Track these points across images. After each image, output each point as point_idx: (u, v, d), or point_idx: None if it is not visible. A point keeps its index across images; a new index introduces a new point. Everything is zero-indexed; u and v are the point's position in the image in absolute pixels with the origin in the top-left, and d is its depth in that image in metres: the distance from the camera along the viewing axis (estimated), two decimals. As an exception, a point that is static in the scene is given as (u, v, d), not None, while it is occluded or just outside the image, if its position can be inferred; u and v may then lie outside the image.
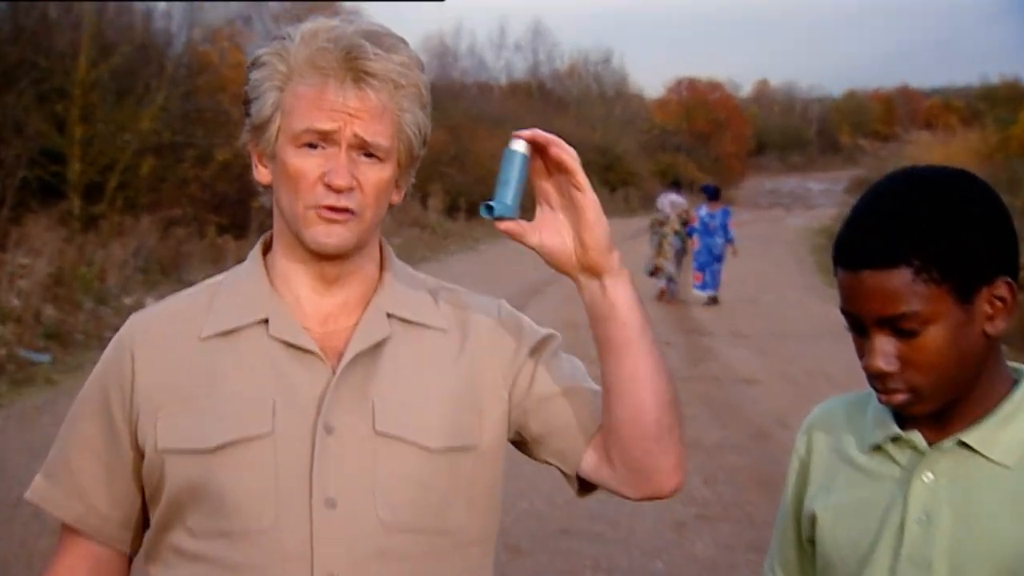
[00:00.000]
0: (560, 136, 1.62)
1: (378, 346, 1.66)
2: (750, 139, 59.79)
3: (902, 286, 1.50)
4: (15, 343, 10.15)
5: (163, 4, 18.57)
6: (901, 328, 1.52)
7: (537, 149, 1.61)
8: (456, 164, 27.42)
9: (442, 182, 26.39)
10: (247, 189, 17.70)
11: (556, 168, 1.61)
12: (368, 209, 1.63)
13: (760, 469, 7.40)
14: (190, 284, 1.77)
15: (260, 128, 1.65)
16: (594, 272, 1.63)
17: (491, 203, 1.58)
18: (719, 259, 16.60)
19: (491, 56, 61.13)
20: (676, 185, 18.02)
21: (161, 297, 1.96)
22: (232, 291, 1.70)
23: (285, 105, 1.62)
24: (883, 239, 1.50)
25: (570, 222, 1.63)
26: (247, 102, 1.66)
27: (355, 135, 1.60)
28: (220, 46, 19.83)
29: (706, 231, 16.61)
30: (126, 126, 16.25)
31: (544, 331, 1.77)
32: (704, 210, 16.77)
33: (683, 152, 49.86)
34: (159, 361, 1.65)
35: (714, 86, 61.58)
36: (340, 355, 1.64)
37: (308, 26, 1.65)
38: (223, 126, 17.56)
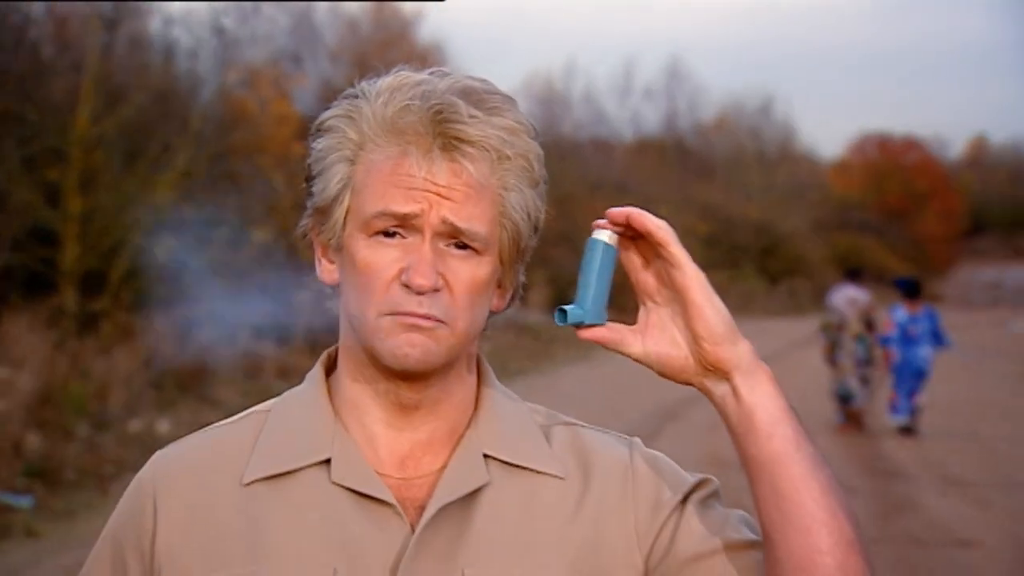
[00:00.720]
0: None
1: (472, 497, 1.67)
2: (962, 216, 59.23)
3: None
4: (-13, 481, 10.30)
5: (188, 38, 19.09)
6: None
7: (628, 235, 1.64)
8: (566, 245, 27.57)
9: (547, 269, 26.54)
10: (292, 279, 17.95)
11: (649, 249, 1.65)
12: (460, 316, 1.65)
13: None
14: (216, 404, 1.80)
15: (324, 212, 1.68)
16: (719, 372, 1.64)
17: (566, 307, 1.63)
18: (921, 375, 16.42)
19: (613, 104, 61.61)
20: (854, 275, 17.88)
21: (178, 421, 1.99)
22: (285, 423, 1.72)
23: (356, 182, 1.66)
24: None
25: (679, 314, 1.65)
26: (309, 179, 1.70)
27: (443, 220, 1.63)
28: (261, 93, 20.24)
29: (906, 339, 16.50)
30: (137, 197, 16.57)
31: (694, 477, 1.77)
32: (902, 312, 16.71)
33: (870, 232, 49.54)
34: (189, 515, 1.68)
35: (912, 144, 61.32)
36: (422, 508, 1.66)
37: (388, 80, 1.70)
38: (263, 197, 17.87)
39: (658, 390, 18.15)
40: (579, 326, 1.63)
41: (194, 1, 21.12)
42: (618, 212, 1.63)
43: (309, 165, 1.70)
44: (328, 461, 1.67)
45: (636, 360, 1.67)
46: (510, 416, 1.75)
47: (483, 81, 1.70)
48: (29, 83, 16.21)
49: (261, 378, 15.69)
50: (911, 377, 16.39)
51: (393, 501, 1.65)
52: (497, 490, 1.69)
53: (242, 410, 1.81)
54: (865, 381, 16.69)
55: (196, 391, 14.69)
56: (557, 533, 1.68)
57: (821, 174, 55.87)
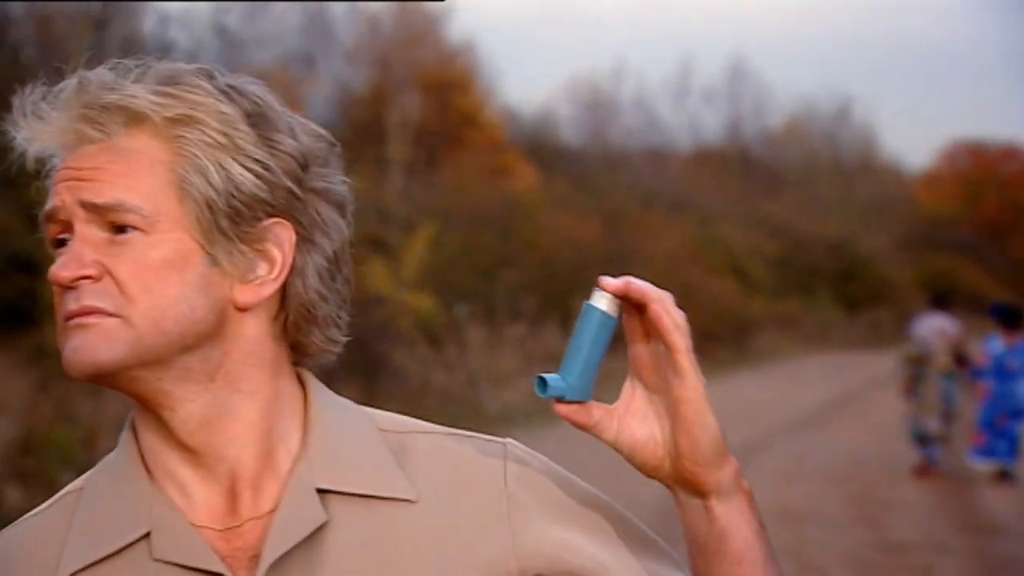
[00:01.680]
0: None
1: (313, 539, 1.66)
2: (1069, 231, 58.96)
3: None
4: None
5: (187, 39, 19.21)
6: None
7: (632, 305, 1.65)
8: (615, 266, 27.50)
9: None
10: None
11: (655, 332, 1.65)
12: (136, 304, 1.63)
13: None
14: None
15: None
16: (694, 489, 1.68)
17: (547, 376, 1.63)
18: (1019, 413, 16.36)
19: (668, 109, 61.65)
20: (942, 302, 17.63)
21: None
22: (98, 498, 1.72)
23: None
24: None
25: (666, 411, 1.67)
26: None
27: (81, 203, 1.64)
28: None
29: (1002, 373, 16.45)
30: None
31: (586, 490, 1.77)
32: (998, 343, 16.66)
33: (964, 252, 49.37)
34: None
35: (1011, 153, 61.10)
36: (256, 557, 1.65)
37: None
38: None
39: (730, 432, 18.10)
40: (558, 400, 1.64)
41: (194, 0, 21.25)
42: (638, 288, 1.63)
43: None
44: (149, 534, 1.67)
45: (607, 444, 1.68)
46: (347, 434, 1.73)
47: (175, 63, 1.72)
48: (7, 90, 16.36)
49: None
50: (1009, 416, 16.34)
51: (222, 568, 1.63)
52: (341, 528, 1.67)
53: None
54: (949, 421, 16.53)
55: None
56: (418, 567, 1.67)
57: (907, 187, 55.74)
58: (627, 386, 1.69)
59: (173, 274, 1.63)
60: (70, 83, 1.72)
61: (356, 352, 15.96)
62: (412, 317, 21.11)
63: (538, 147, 36.35)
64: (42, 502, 1.81)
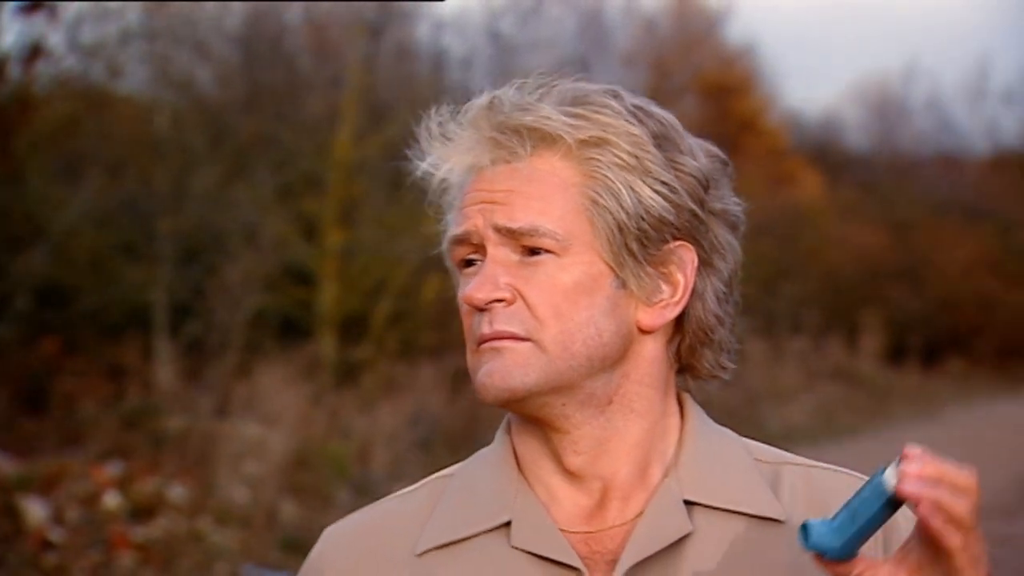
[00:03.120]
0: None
1: (673, 549, 1.69)
2: None
3: None
4: (240, 556, 10.61)
5: (461, 45, 19.44)
6: None
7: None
8: (906, 280, 27.10)
9: (882, 308, 26.11)
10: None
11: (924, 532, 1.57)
12: (548, 329, 1.68)
13: None
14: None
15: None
16: None
17: (814, 524, 1.57)
18: None
19: (964, 112, 60.39)
20: None
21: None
22: (466, 486, 1.80)
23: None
24: None
25: None
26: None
27: (495, 227, 1.68)
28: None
29: None
30: (403, 229, 16.84)
31: None
32: None
33: None
34: None
35: None
36: (614, 563, 1.69)
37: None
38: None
39: (1022, 456, 17.66)
40: (819, 553, 1.59)
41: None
42: (929, 497, 1.53)
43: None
44: (509, 523, 1.72)
45: None
46: (719, 455, 1.77)
47: (585, 87, 1.75)
48: (284, 100, 16.67)
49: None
50: None
51: (579, 564, 1.68)
52: (704, 540, 1.71)
53: None
54: None
55: (469, 451, 14.83)
56: None
57: None
58: (899, 552, 1.61)
59: (583, 297, 1.69)
60: (478, 103, 1.75)
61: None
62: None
63: (823, 153, 35.86)
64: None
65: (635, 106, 1.72)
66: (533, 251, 1.68)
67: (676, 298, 1.73)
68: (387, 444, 13.80)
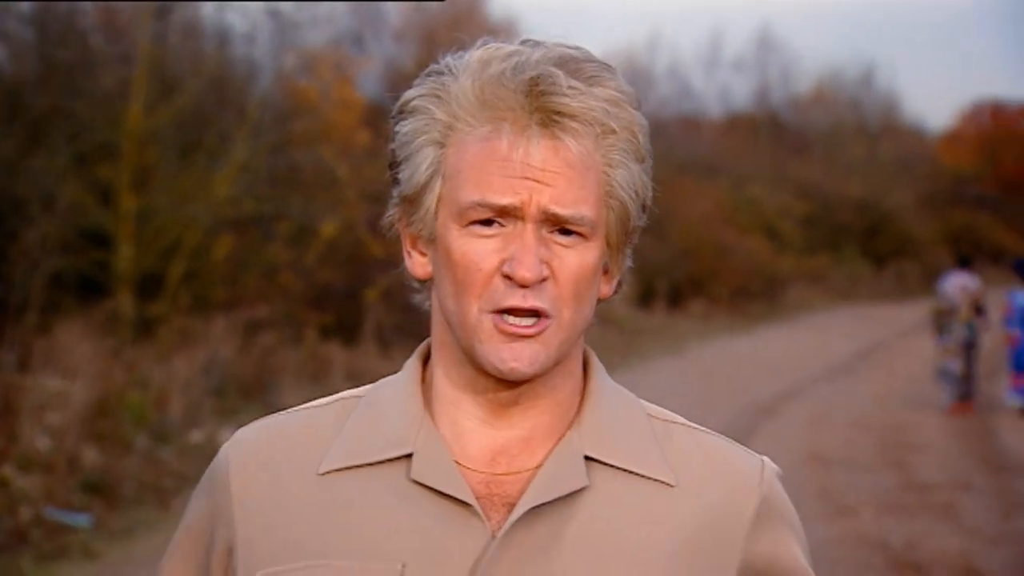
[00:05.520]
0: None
1: (567, 501, 1.67)
2: (1085, 186, 58.45)
3: None
4: (43, 500, 10.43)
5: (243, 22, 19.21)
6: None
7: None
8: (652, 232, 27.43)
9: (632, 258, 26.42)
10: (360, 276, 18.04)
11: None
12: (567, 308, 1.65)
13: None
14: (281, 410, 1.82)
15: (413, 201, 1.69)
16: None
17: None
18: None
19: (700, 78, 61.38)
20: (966, 262, 19.00)
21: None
22: (373, 411, 1.74)
23: (447, 167, 1.66)
24: None
25: None
26: (394, 165, 1.71)
27: (544, 211, 1.62)
28: (322, 78, 20.33)
29: (1028, 322, 17.31)
30: (194, 194, 16.70)
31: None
32: (1022, 296, 17.77)
33: (986, 208, 49.02)
34: (263, 502, 1.71)
35: (1028, 110, 60.55)
36: (512, 506, 1.66)
37: (477, 53, 1.68)
38: (328, 189, 17.95)
39: (754, 385, 18.08)
40: None
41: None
42: None
43: (393, 150, 1.70)
44: (411, 456, 1.69)
45: None
46: (619, 415, 1.74)
47: (579, 49, 1.68)
48: (78, 75, 16.37)
49: (329, 382, 15.77)
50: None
51: (473, 502, 1.65)
52: (597, 495, 1.69)
53: None
54: (970, 362, 17.73)
55: (260, 398, 14.80)
56: (662, 546, 1.68)
57: (929, 147, 55.26)
58: None
59: (594, 279, 1.68)
60: (523, 73, 1.64)
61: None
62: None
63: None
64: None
65: (634, 93, 1.69)
66: (565, 231, 1.64)
67: (623, 268, 1.74)
68: (183, 392, 13.68)
